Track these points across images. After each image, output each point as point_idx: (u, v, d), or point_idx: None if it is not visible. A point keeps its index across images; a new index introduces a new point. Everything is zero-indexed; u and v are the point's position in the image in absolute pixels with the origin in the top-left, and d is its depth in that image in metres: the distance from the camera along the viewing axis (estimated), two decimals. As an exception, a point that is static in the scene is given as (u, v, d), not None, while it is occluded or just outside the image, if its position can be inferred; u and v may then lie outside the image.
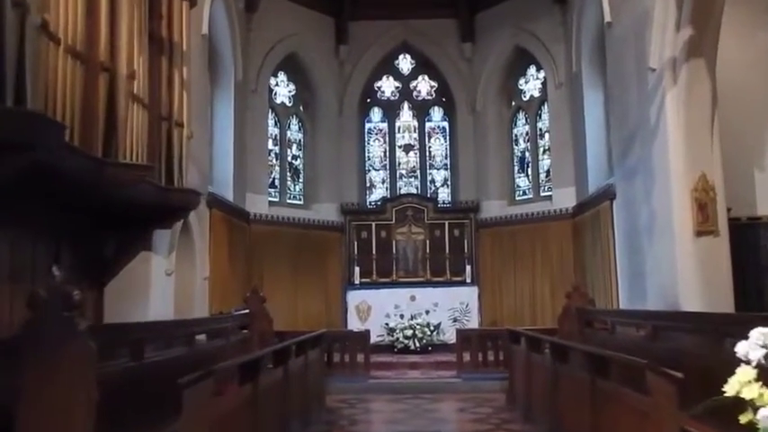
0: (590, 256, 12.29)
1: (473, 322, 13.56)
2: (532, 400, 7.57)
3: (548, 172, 14.87)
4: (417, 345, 12.91)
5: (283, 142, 15.46)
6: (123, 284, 8.73)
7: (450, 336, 13.04)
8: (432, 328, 13.17)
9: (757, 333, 2.49)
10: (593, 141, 12.68)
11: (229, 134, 12.98)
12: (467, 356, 10.78)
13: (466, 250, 15.02)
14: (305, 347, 7.78)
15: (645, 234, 9.49)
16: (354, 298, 13.90)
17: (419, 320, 13.25)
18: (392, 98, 16.65)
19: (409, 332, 13.02)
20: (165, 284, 9.28)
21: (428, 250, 15.06)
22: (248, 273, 13.37)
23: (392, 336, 13.17)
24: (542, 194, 14.91)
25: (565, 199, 13.76)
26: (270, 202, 14.68)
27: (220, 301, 11.29)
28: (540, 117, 15.17)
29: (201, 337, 8.34)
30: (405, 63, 16.61)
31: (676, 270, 8.46)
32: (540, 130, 15.15)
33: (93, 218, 8.00)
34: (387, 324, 13.39)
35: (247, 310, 9.33)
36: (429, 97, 16.65)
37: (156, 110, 8.25)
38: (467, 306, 13.66)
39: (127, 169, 6.55)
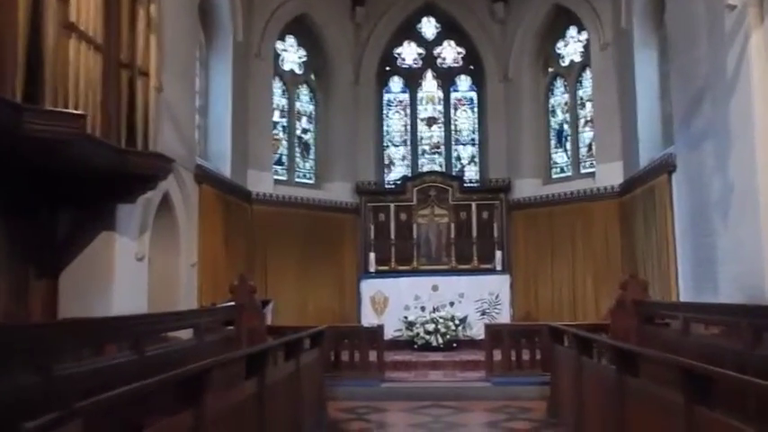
0: (642, 240, 10.56)
1: (504, 316, 11.95)
2: (585, 417, 5.91)
3: (589, 146, 13.19)
4: (440, 341, 11.37)
5: (292, 114, 13.95)
6: (82, 272, 7.29)
7: (477, 331, 11.61)
8: (457, 322, 11.63)
9: None
10: (645, 108, 10.97)
11: (226, 102, 11.50)
12: (497, 355, 9.17)
13: (496, 234, 13.46)
14: (296, 349, 6.20)
15: (717, 212, 7.73)
16: (369, 288, 12.35)
17: (442, 313, 11.73)
18: (414, 66, 15.10)
19: (431, 327, 11.48)
20: (135, 272, 7.80)
21: (453, 235, 13.56)
22: (249, 260, 11.92)
23: (411, 331, 11.65)
24: (583, 171, 13.24)
25: (610, 175, 12.06)
26: (276, 180, 13.20)
27: (213, 292, 9.78)
28: (581, 84, 13.45)
29: (181, 334, 6.86)
30: (428, 27, 15.03)
31: (762, 255, 6.71)
32: (581, 99, 13.42)
33: (39, 191, 6.54)
34: (406, 317, 11.88)
35: (233, 303, 7.77)
36: (455, 65, 15.06)
37: (113, 53, 6.74)
38: (497, 297, 12.03)
39: (50, 118, 5.01)
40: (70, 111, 5.41)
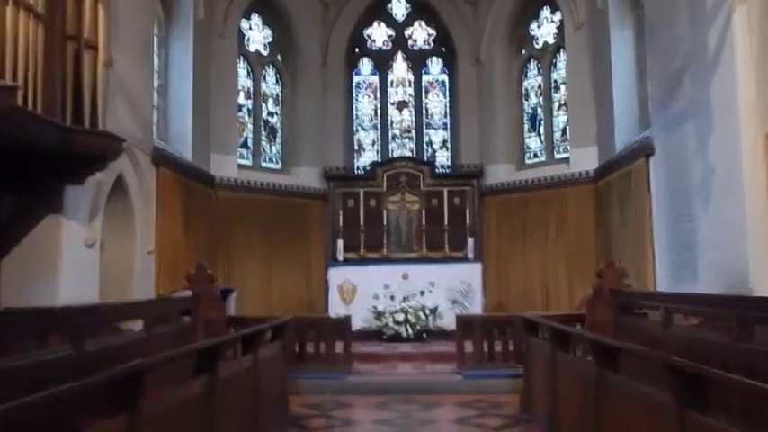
0: (617, 226, 10.28)
1: (475, 305, 11.58)
2: (560, 412, 5.58)
3: (563, 130, 12.88)
4: (410, 332, 10.96)
5: (258, 96, 13.41)
6: (26, 258, 6.77)
7: (448, 321, 11.15)
8: (427, 311, 11.20)
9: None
10: (621, 91, 10.65)
11: (187, 82, 10.96)
12: (469, 347, 8.81)
13: (468, 222, 13.12)
14: (254, 342, 5.75)
15: (697, 195, 7.45)
16: (337, 276, 11.89)
17: (412, 303, 11.28)
18: (384, 48, 14.66)
19: (401, 316, 11.06)
20: (84, 259, 7.28)
21: (424, 222, 13.20)
22: (212, 246, 11.42)
23: (380, 321, 11.22)
24: (557, 156, 12.93)
25: (585, 160, 11.76)
26: (240, 164, 12.69)
27: (171, 281, 9.27)
28: (555, 67, 13.12)
29: (135, 325, 6.38)
30: (398, 7, 14.60)
31: (746, 240, 6.45)
32: (555, 82, 13.11)
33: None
34: (374, 307, 11.41)
35: (189, 293, 7.30)
36: (426, 47, 14.64)
37: (58, 24, 6.20)
38: (468, 286, 11.66)
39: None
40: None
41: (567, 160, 12.40)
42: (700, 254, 7.38)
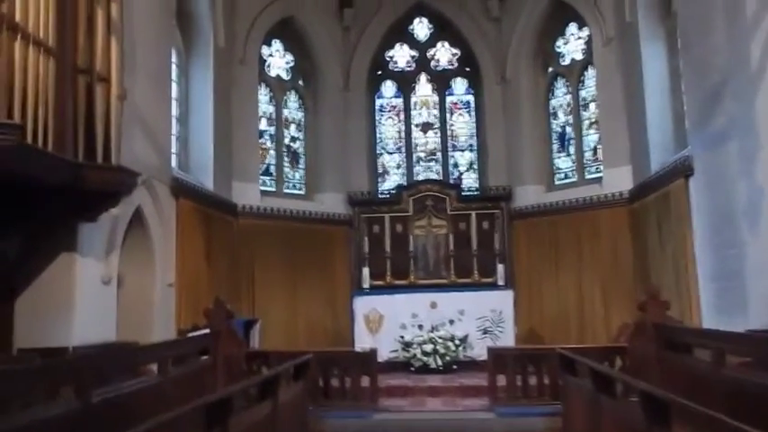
0: (656, 249, 9.76)
1: (507, 334, 11.09)
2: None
3: (594, 149, 12.41)
4: (439, 363, 10.50)
5: (280, 122, 13.18)
6: (40, 297, 6.55)
7: (479, 351, 10.69)
8: (457, 341, 10.73)
9: None
10: (654, 107, 10.21)
11: (208, 110, 10.76)
12: (501, 380, 8.36)
13: (497, 246, 12.62)
14: (272, 387, 5.41)
15: (744, 220, 6.98)
16: (363, 305, 11.50)
17: (441, 333, 10.81)
18: (407, 69, 14.33)
19: (429, 347, 10.60)
20: (100, 296, 7.04)
21: (452, 246, 12.71)
22: (234, 277, 11.18)
23: (408, 352, 10.77)
24: (588, 177, 12.45)
25: (618, 181, 11.29)
26: (263, 191, 12.45)
27: (193, 314, 9.00)
28: (584, 84, 12.69)
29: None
30: (421, 28, 14.30)
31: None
32: (584, 99, 12.67)
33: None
34: (402, 337, 10.98)
35: (207, 330, 7.00)
36: (450, 67, 14.29)
37: (69, 58, 6.01)
38: (500, 314, 11.16)
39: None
40: (4, 121, 4.69)
41: (599, 180, 11.94)
42: (749, 282, 6.89)
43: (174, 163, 10.13)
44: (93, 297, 6.87)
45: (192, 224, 9.54)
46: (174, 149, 10.26)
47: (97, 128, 6.09)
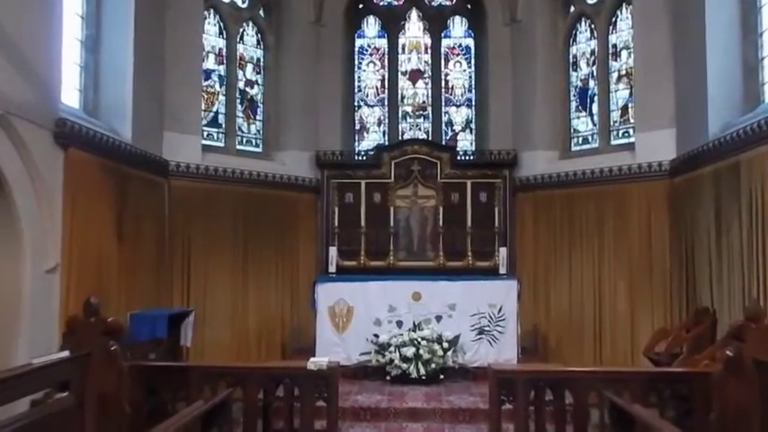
0: (707, 241, 7.58)
1: (509, 336, 8.90)
2: None
3: (624, 108, 10.07)
4: (422, 371, 8.41)
5: (232, 61, 10.73)
6: None
7: (472, 356, 8.83)
8: (445, 344, 8.62)
9: None
10: (717, 54, 7.90)
11: (127, 34, 8.27)
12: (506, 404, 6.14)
13: (497, 224, 10.56)
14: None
15: None
16: (328, 295, 9.21)
17: (425, 332, 8.69)
18: (395, 3, 12.15)
19: (410, 351, 8.50)
20: None
21: (441, 222, 10.71)
22: (162, 257, 8.80)
23: (383, 356, 8.67)
24: (615, 142, 10.21)
25: (657, 148, 9.02)
26: (206, 146, 10.13)
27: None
28: (615, 27, 10.29)
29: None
30: (413, -47, 11.93)
31: None
32: (615, 46, 10.30)
33: None
34: (376, 336, 8.85)
35: (66, 353, 4.54)
36: (448, 2, 12.10)
37: None
38: (500, 310, 8.97)
39: None
40: None
41: (630, 147, 9.62)
42: None
43: (77, 103, 7.65)
44: None
45: (92, 185, 7.05)
46: (78, 85, 7.75)
47: None
